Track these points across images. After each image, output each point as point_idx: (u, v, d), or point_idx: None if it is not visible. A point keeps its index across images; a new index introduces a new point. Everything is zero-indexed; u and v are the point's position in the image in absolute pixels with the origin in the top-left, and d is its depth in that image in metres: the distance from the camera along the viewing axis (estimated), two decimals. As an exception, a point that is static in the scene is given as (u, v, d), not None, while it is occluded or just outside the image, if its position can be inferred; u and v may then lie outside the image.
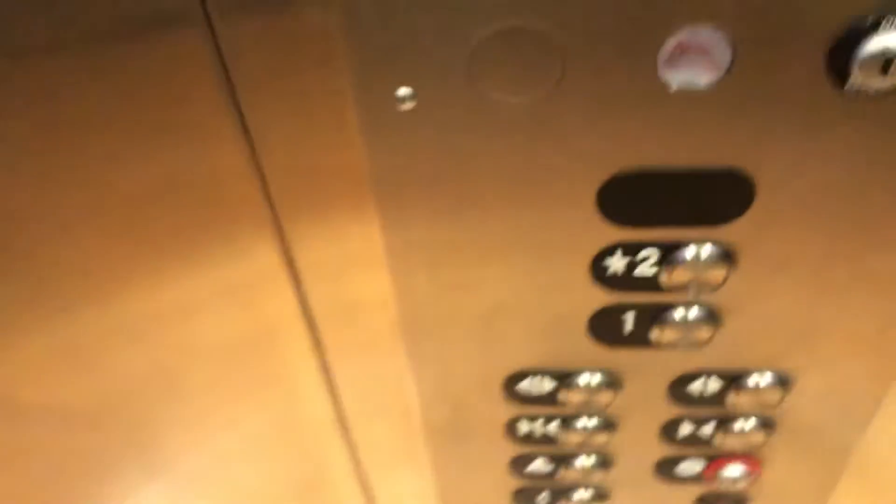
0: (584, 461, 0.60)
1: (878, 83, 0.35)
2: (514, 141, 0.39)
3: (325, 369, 0.56)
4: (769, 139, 0.38)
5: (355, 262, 0.49)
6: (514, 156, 0.40)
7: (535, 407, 0.56)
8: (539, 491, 0.65)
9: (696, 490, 0.63)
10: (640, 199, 0.41)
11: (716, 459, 0.59)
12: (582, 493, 0.64)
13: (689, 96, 0.36)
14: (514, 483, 0.64)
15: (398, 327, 0.51)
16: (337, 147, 0.44)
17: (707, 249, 0.43)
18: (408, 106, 0.38)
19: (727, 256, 0.43)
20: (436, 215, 0.43)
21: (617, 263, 0.44)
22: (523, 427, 0.58)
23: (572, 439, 0.57)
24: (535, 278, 0.46)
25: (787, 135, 0.38)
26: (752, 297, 0.46)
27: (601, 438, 0.57)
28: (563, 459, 0.61)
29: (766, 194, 0.40)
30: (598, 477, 0.61)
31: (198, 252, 0.48)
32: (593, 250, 0.44)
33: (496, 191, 0.42)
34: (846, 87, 0.35)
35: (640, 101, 0.37)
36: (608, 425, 0.56)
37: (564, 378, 0.53)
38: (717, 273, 0.44)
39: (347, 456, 0.64)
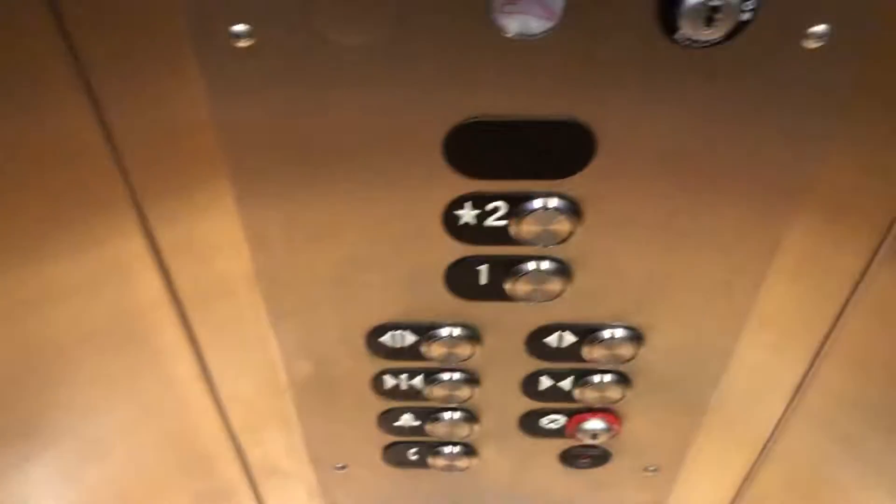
0: (451, 415, 0.61)
1: (705, 34, 0.35)
2: (357, 86, 0.39)
3: (192, 337, 0.55)
4: (606, 90, 0.38)
5: (217, 235, 0.48)
6: (358, 102, 0.39)
7: (398, 361, 0.56)
8: (409, 446, 0.65)
9: (559, 445, 0.65)
10: (485, 150, 0.41)
11: (576, 414, 0.60)
12: (451, 449, 0.65)
13: (525, 44, 0.37)
14: (384, 439, 0.65)
15: (256, 283, 0.50)
16: (191, 122, 0.43)
17: (553, 202, 0.43)
18: (244, 43, 0.37)
19: (573, 210, 0.44)
20: (283, 162, 0.42)
21: (467, 215, 0.45)
22: (389, 381, 0.58)
23: (437, 393, 0.58)
24: (389, 229, 0.46)
25: (624, 86, 0.38)
26: (599, 250, 0.47)
27: (465, 392, 0.58)
28: (430, 414, 0.61)
29: (607, 147, 0.41)
30: (464, 431, 0.62)
31: (59, 239, 0.47)
32: (444, 201, 0.44)
33: (342, 138, 0.41)
34: (676, 38, 0.36)
35: (477, 48, 0.37)
36: (471, 379, 0.57)
37: (425, 331, 0.53)
38: (564, 226, 0.44)
39: (219, 420, 0.64)
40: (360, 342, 0.54)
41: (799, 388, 0.60)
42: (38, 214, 0.45)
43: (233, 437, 0.66)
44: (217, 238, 0.50)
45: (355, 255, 0.48)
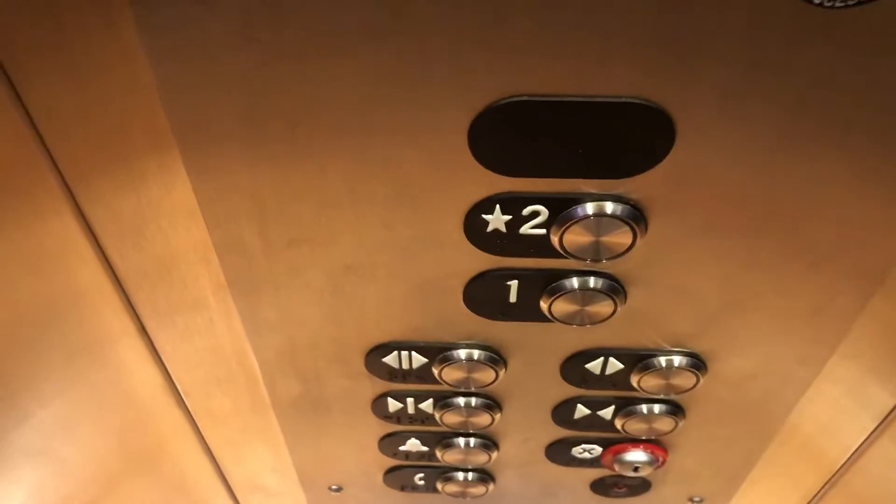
0: (466, 441, 0.51)
1: (848, -9, 0.25)
2: (353, 44, 0.28)
3: (146, 334, 0.45)
4: (701, 66, 0.28)
5: (160, 211, 0.38)
6: (355, 65, 0.29)
7: (404, 384, 0.46)
8: (416, 470, 0.56)
9: (592, 473, 0.55)
10: (521, 139, 0.31)
11: (616, 444, 0.51)
12: (465, 475, 0.56)
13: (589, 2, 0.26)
14: (386, 462, 0.55)
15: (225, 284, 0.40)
16: (125, 96, 0.33)
17: (610, 207, 0.33)
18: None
19: (635, 216, 0.33)
20: (250, 144, 0.32)
21: (496, 220, 0.34)
22: (393, 405, 0.48)
23: (451, 420, 0.48)
24: (395, 235, 0.36)
25: (726, 59, 0.27)
26: (663, 265, 0.36)
27: (484, 419, 0.48)
28: (441, 440, 0.52)
29: (688, 138, 0.30)
30: (482, 459, 0.53)
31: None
32: (467, 203, 0.34)
33: (334, 114, 0.31)
34: (804, -6, 0.25)
35: (525, 7, 0.26)
36: (491, 406, 0.47)
37: (438, 353, 0.43)
38: (623, 238, 0.34)
39: (187, 427, 0.54)
40: (358, 362, 0.44)
41: (892, 412, 0.51)
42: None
43: (211, 456, 0.57)
44: (181, 249, 0.40)
45: (352, 263, 0.38)
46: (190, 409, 0.51)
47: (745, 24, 0.26)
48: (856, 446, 0.53)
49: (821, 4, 0.25)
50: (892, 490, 0.54)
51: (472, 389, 0.46)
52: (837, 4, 0.25)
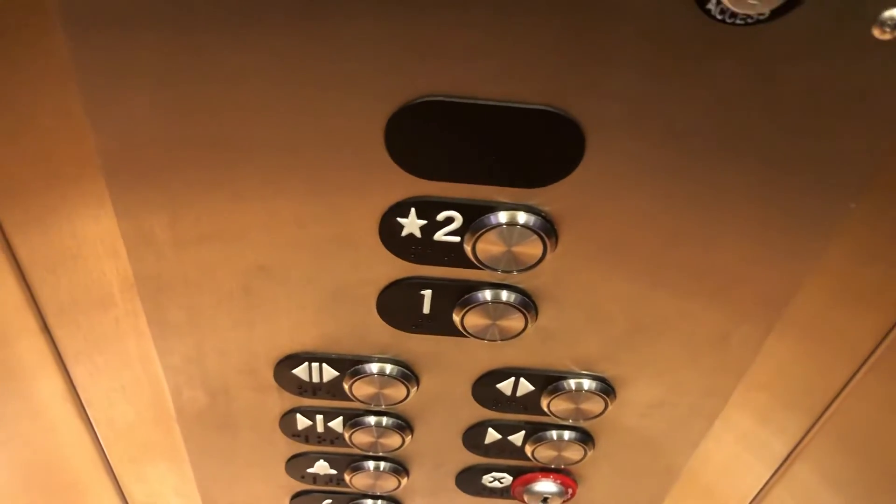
0: (375, 465, 0.50)
1: (748, 7, 0.26)
2: (268, 44, 0.28)
3: (48, 333, 0.44)
4: (605, 73, 0.29)
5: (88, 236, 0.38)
6: (270, 66, 0.29)
7: (314, 399, 0.45)
8: (324, 496, 0.55)
9: (502, 505, 0.55)
10: (438, 141, 0.31)
11: (526, 473, 0.50)
12: (374, 503, 0.55)
13: (503, 5, 0.27)
14: (293, 485, 0.54)
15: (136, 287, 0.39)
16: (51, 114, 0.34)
17: (522, 217, 0.34)
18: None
19: (546, 229, 0.34)
20: (167, 141, 0.32)
21: (411, 224, 0.34)
22: (301, 421, 0.47)
23: (360, 439, 0.48)
24: (308, 234, 0.36)
25: (631, 69, 0.28)
26: (573, 283, 0.37)
27: (394, 440, 0.47)
28: (350, 462, 0.51)
29: (598, 151, 0.31)
30: (391, 485, 0.52)
31: None
32: (382, 205, 0.34)
33: (250, 114, 0.31)
34: (708, 8, 0.26)
35: (439, 7, 0.27)
36: (402, 426, 0.47)
37: (349, 366, 0.43)
38: (533, 248, 0.34)
39: (87, 441, 0.52)
40: (268, 373, 0.44)
41: (785, 462, 0.52)
42: None
43: (110, 471, 0.54)
44: (89, 239, 0.39)
45: (264, 263, 0.37)
46: (91, 420, 0.49)
47: (644, 34, 0.27)
48: (758, 487, 0.54)
49: (722, 21, 0.27)
50: None
51: (383, 407, 0.45)
52: (738, 22, 0.27)
